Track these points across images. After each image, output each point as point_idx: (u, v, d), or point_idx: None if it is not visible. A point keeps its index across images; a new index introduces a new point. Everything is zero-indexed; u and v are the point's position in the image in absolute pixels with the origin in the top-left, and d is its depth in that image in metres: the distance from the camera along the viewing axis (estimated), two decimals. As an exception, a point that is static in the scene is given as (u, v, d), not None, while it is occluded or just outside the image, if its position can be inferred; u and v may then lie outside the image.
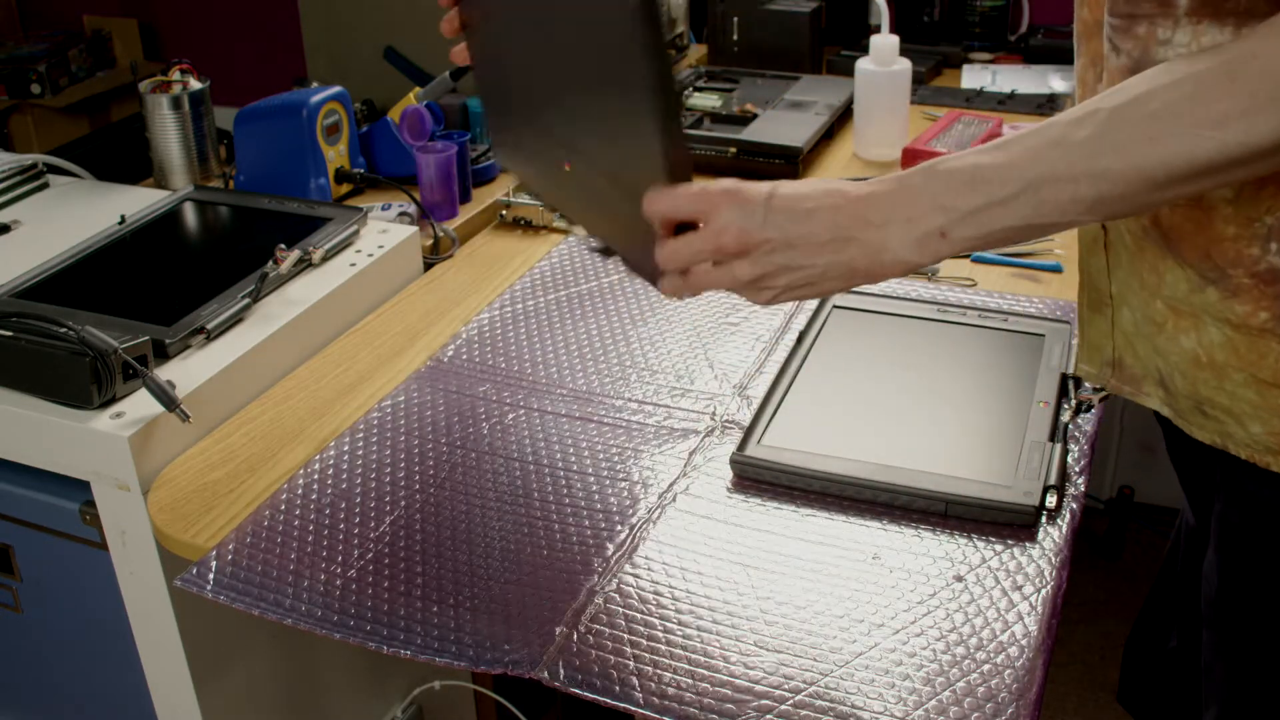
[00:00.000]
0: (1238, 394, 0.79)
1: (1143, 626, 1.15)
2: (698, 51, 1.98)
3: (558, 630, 0.82)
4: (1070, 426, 1.00)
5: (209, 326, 1.10)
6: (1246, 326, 0.77)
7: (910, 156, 1.52)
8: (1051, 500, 0.91)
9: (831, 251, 0.79)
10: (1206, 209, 0.76)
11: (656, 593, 0.85)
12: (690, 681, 0.78)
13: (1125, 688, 1.18)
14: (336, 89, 1.40)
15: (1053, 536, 0.89)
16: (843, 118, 1.66)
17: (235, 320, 1.13)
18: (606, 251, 1.01)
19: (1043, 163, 0.73)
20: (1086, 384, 1.05)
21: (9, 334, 1.02)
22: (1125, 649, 1.17)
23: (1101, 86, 0.81)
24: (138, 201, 1.37)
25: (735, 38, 1.85)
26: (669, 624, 0.83)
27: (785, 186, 0.80)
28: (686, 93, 1.71)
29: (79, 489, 1.04)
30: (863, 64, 1.54)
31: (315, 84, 1.47)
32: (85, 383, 0.99)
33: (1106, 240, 0.87)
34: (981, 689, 0.76)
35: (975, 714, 0.75)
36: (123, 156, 1.74)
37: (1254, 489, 0.82)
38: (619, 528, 0.92)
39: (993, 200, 0.74)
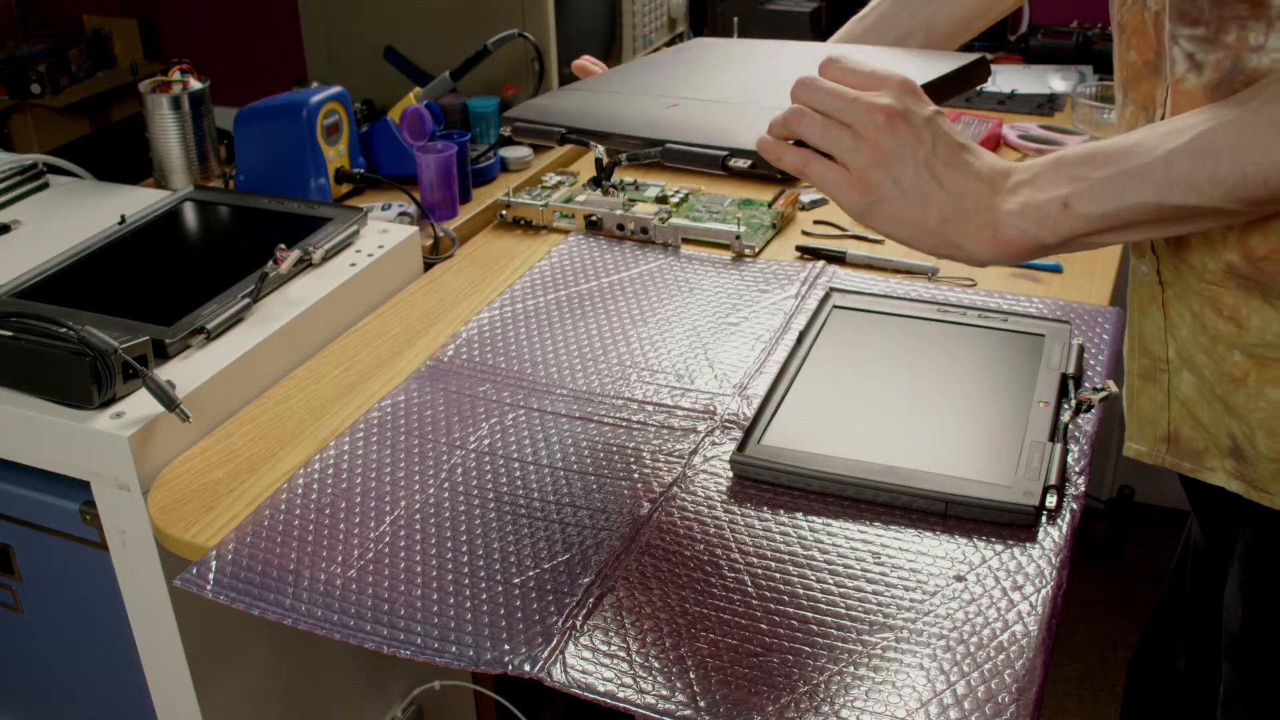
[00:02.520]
0: None
1: (1148, 645, 1.13)
2: (698, 51, 1.98)
3: (557, 630, 0.82)
4: (1070, 426, 1.00)
5: (209, 326, 1.10)
6: None
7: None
8: (1051, 500, 0.91)
9: (958, 188, 0.75)
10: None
11: (656, 593, 0.85)
12: (690, 681, 0.78)
13: (1129, 706, 1.17)
14: (336, 89, 1.40)
15: (1053, 536, 0.89)
16: (843, 118, 1.65)
17: (235, 320, 1.13)
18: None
19: (1179, 137, 0.70)
20: (1086, 384, 1.05)
21: (9, 334, 1.02)
22: (1129, 667, 1.16)
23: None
24: (138, 201, 1.37)
25: (735, 37, 1.85)
26: (669, 624, 0.83)
27: (948, 122, 0.77)
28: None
29: (79, 489, 1.04)
30: (863, 64, 1.53)
31: (315, 84, 1.47)
32: (85, 383, 0.99)
33: (1164, 298, 0.83)
34: (981, 689, 0.76)
35: (975, 714, 0.75)
36: (123, 156, 1.74)
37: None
38: (619, 528, 0.92)
39: (1121, 170, 0.71)
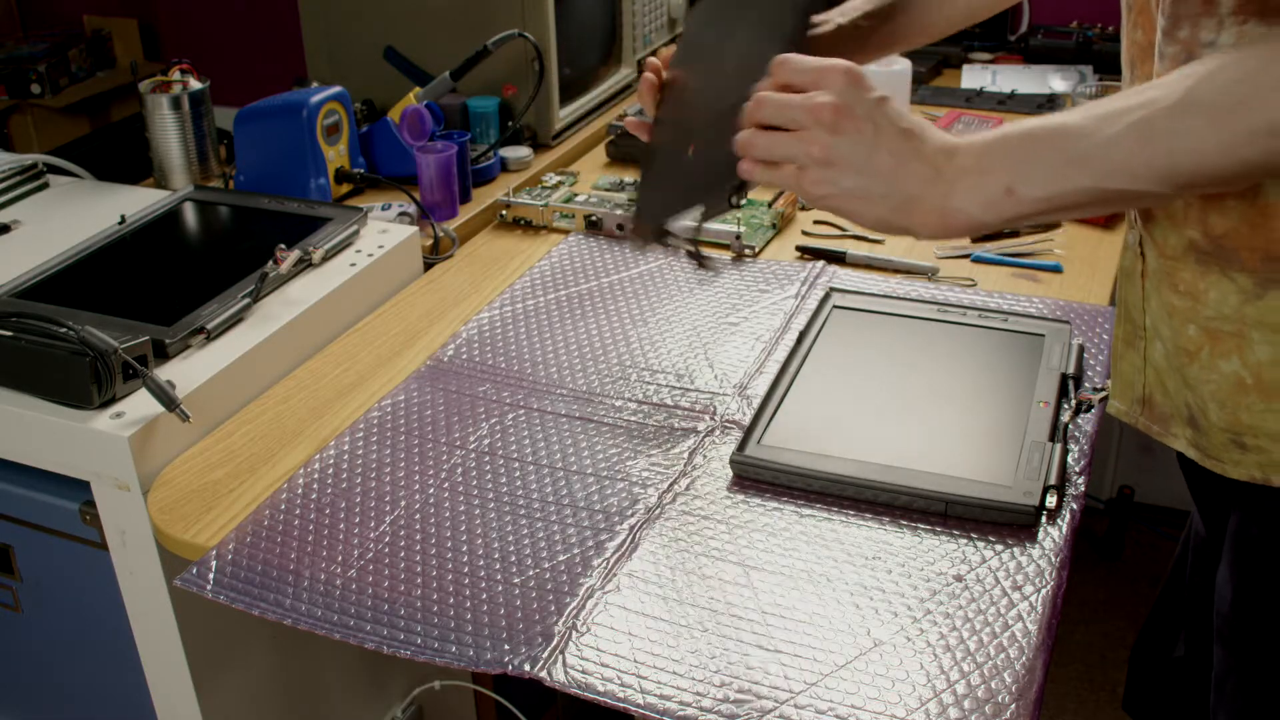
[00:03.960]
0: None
1: (1149, 635, 1.14)
2: (698, 51, 1.98)
3: (558, 630, 0.82)
4: (1070, 426, 1.00)
5: (209, 326, 1.10)
6: None
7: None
8: (1051, 500, 0.91)
9: (904, 178, 0.78)
10: (1262, 208, 0.74)
11: (656, 593, 0.85)
12: (690, 681, 0.78)
13: (1131, 695, 1.17)
14: (336, 89, 1.40)
15: (1053, 536, 0.89)
16: (843, 118, 1.65)
17: (235, 320, 1.13)
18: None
19: (1116, 122, 0.72)
20: (1086, 384, 1.05)
21: (9, 334, 1.02)
22: (1131, 657, 1.16)
23: None
24: (138, 201, 1.37)
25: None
26: (669, 624, 0.83)
27: (895, 109, 0.79)
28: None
29: (79, 489, 1.04)
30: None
31: (315, 84, 1.47)
32: (85, 383, 0.99)
33: (1144, 269, 0.85)
34: (981, 689, 0.76)
35: (975, 714, 0.75)
36: (123, 156, 1.74)
37: (1276, 505, 0.81)
38: (619, 528, 0.92)
39: (1063, 156, 0.73)
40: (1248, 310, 0.77)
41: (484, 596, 0.86)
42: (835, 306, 1.17)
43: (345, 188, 1.43)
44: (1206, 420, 0.82)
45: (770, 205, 1.41)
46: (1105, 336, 1.13)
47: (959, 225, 0.78)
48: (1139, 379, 0.88)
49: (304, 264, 1.21)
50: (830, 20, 1.04)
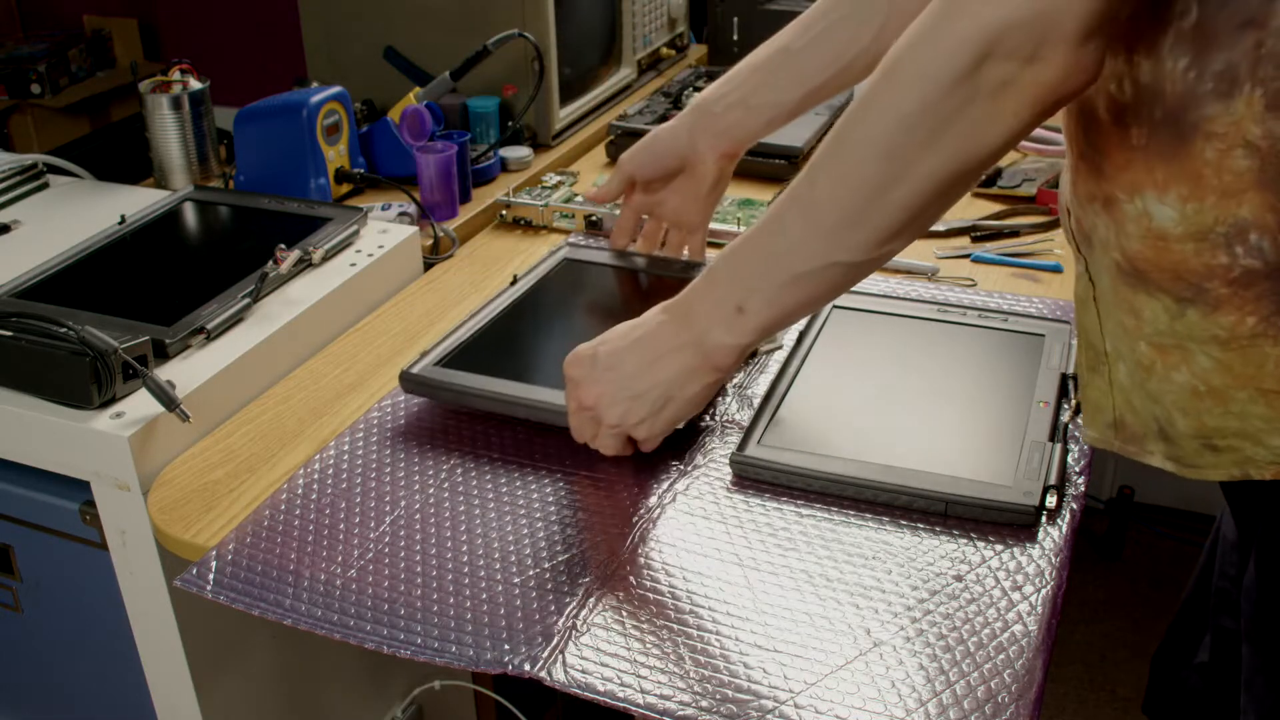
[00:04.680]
0: (1247, 412, 0.77)
1: (1173, 640, 1.14)
2: (698, 51, 1.99)
3: (557, 630, 0.82)
4: (1070, 426, 1.00)
5: (209, 326, 1.10)
6: (1236, 339, 0.75)
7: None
8: (1051, 500, 0.91)
9: (666, 367, 0.89)
10: (1159, 236, 0.75)
11: (656, 593, 0.85)
12: (690, 681, 0.78)
13: (1152, 700, 1.17)
14: (336, 89, 1.40)
15: (1053, 536, 0.89)
16: (843, 118, 1.65)
17: (235, 320, 1.13)
18: None
19: (784, 208, 0.83)
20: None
21: (9, 334, 1.02)
22: (1153, 661, 1.16)
23: None
24: (138, 201, 1.37)
25: (735, 38, 1.85)
26: (669, 624, 0.83)
27: (615, 331, 0.92)
28: (687, 92, 1.71)
29: (79, 489, 1.04)
30: (863, 64, 1.53)
31: (315, 84, 1.47)
32: (85, 383, 0.99)
33: (1095, 294, 0.85)
34: (981, 689, 0.76)
35: (975, 714, 0.75)
36: (123, 156, 1.74)
37: None
38: (619, 527, 0.92)
39: (763, 255, 0.84)
40: (1178, 326, 0.78)
41: (484, 596, 0.86)
42: (835, 306, 1.17)
43: (345, 188, 1.43)
44: (1175, 430, 0.81)
45: (770, 205, 1.41)
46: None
47: (723, 358, 0.89)
48: (1107, 402, 0.87)
49: (304, 264, 1.21)
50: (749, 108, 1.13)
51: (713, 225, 1.35)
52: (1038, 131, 1.60)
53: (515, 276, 1.22)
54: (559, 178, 1.52)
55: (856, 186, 0.78)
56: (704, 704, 0.76)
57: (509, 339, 1.12)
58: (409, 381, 1.05)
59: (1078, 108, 0.79)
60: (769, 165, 1.51)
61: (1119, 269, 0.80)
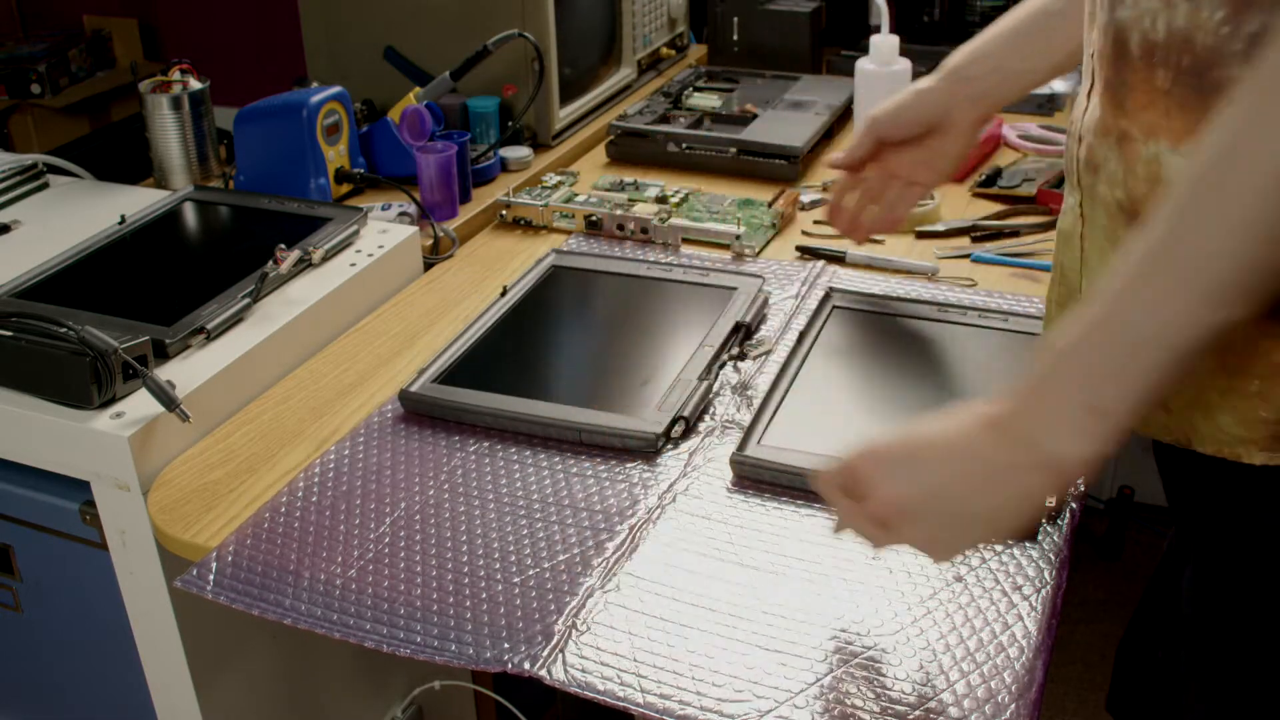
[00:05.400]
0: (1205, 383, 0.76)
1: (1132, 636, 1.14)
2: (698, 51, 1.99)
3: (557, 630, 0.82)
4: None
5: (209, 326, 1.10)
6: None
7: (910, 156, 1.52)
8: (1051, 501, 0.91)
9: (998, 489, 0.73)
10: (1167, 182, 0.74)
11: (656, 593, 0.85)
12: (690, 681, 0.78)
13: (1114, 696, 1.17)
14: (336, 89, 1.40)
15: (1053, 537, 0.89)
16: (843, 118, 1.66)
17: (235, 320, 1.13)
18: None
19: (1156, 267, 0.67)
20: None
21: (9, 334, 1.02)
22: (1116, 658, 1.16)
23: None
24: (138, 201, 1.37)
25: (735, 38, 1.85)
26: (669, 624, 0.83)
27: (921, 435, 0.76)
28: (686, 92, 1.71)
29: (79, 489, 1.04)
30: (863, 64, 1.54)
31: (315, 84, 1.47)
32: (85, 383, 0.99)
33: (1083, 231, 0.84)
34: (981, 689, 0.76)
35: (975, 714, 0.75)
36: (123, 156, 1.74)
37: (1223, 489, 0.80)
38: (619, 528, 0.92)
39: (1132, 339, 0.67)
40: None
41: (484, 596, 0.86)
42: (835, 307, 1.17)
43: (345, 188, 1.43)
44: None
45: (770, 205, 1.41)
46: None
47: (1075, 472, 0.72)
48: None
49: (304, 264, 1.21)
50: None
51: (708, 225, 1.36)
52: (1038, 131, 1.60)
53: (505, 288, 1.22)
54: (559, 178, 1.52)
55: (1255, 225, 0.64)
56: (704, 704, 0.76)
57: (504, 352, 1.13)
58: (408, 400, 1.05)
59: (1114, 35, 0.77)
60: (769, 165, 1.51)
61: (1120, 208, 0.79)
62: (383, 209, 1.37)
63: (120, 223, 1.30)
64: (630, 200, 1.43)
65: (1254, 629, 0.84)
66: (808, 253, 1.33)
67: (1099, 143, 0.80)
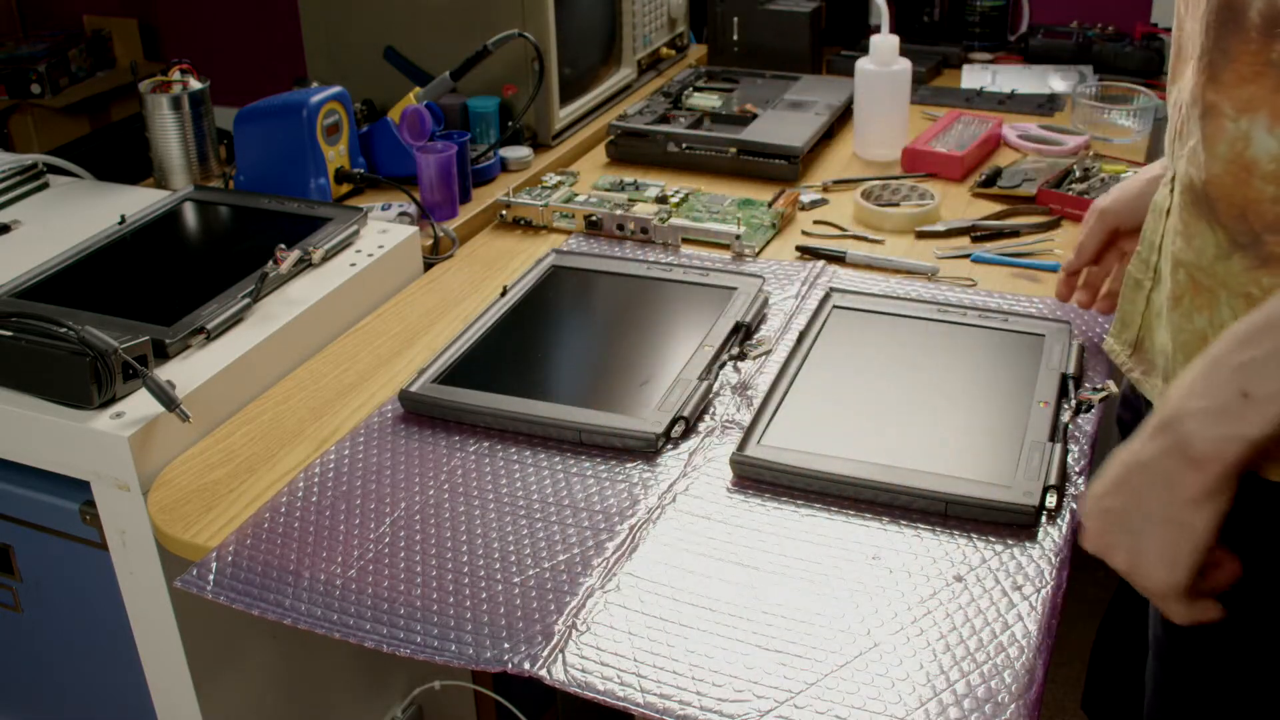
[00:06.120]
0: None
1: (1104, 638, 1.14)
2: (698, 51, 1.99)
3: (558, 630, 0.82)
4: (1070, 426, 1.00)
5: (209, 326, 1.10)
6: None
7: (910, 156, 1.52)
8: (1051, 500, 0.91)
9: (1161, 501, 0.71)
10: (1245, 167, 0.72)
11: (656, 592, 0.85)
12: (690, 681, 0.78)
13: (1089, 696, 1.18)
14: (336, 89, 1.40)
15: (1053, 536, 0.89)
16: (843, 118, 1.66)
17: (235, 320, 1.13)
18: None
19: None
20: (1086, 384, 1.05)
21: (9, 334, 1.02)
22: (1090, 659, 1.17)
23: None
24: (138, 201, 1.37)
25: (735, 38, 1.85)
26: (669, 624, 0.83)
27: (1096, 485, 0.75)
28: (686, 92, 1.71)
29: (79, 489, 1.04)
30: (863, 64, 1.54)
31: (315, 84, 1.47)
32: (85, 383, 0.99)
33: (1170, 206, 0.82)
34: (981, 689, 0.76)
35: (975, 714, 0.75)
36: (123, 156, 1.74)
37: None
38: (619, 528, 0.92)
39: None
40: (1219, 268, 0.76)
41: (484, 596, 0.86)
42: (835, 307, 1.17)
43: (345, 188, 1.43)
44: (1175, 372, 0.81)
45: (770, 205, 1.41)
46: (1105, 336, 1.13)
47: (1215, 450, 0.69)
48: (1136, 319, 0.87)
49: (304, 264, 1.21)
50: None
51: (708, 225, 1.36)
52: (1037, 131, 1.60)
53: (505, 288, 1.22)
54: (559, 178, 1.52)
55: None
56: (704, 704, 0.76)
57: (504, 352, 1.13)
58: (408, 400, 1.05)
59: (1224, 4, 0.73)
60: (769, 165, 1.51)
61: (1190, 188, 0.78)
62: (383, 209, 1.37)
63: (120, 223, 1.30)
64: (630, 200, 1.43)
65: (1218, 645, 0.84)
66: (808, 253, 1.33)
67: (1188, 114, 0.78)
